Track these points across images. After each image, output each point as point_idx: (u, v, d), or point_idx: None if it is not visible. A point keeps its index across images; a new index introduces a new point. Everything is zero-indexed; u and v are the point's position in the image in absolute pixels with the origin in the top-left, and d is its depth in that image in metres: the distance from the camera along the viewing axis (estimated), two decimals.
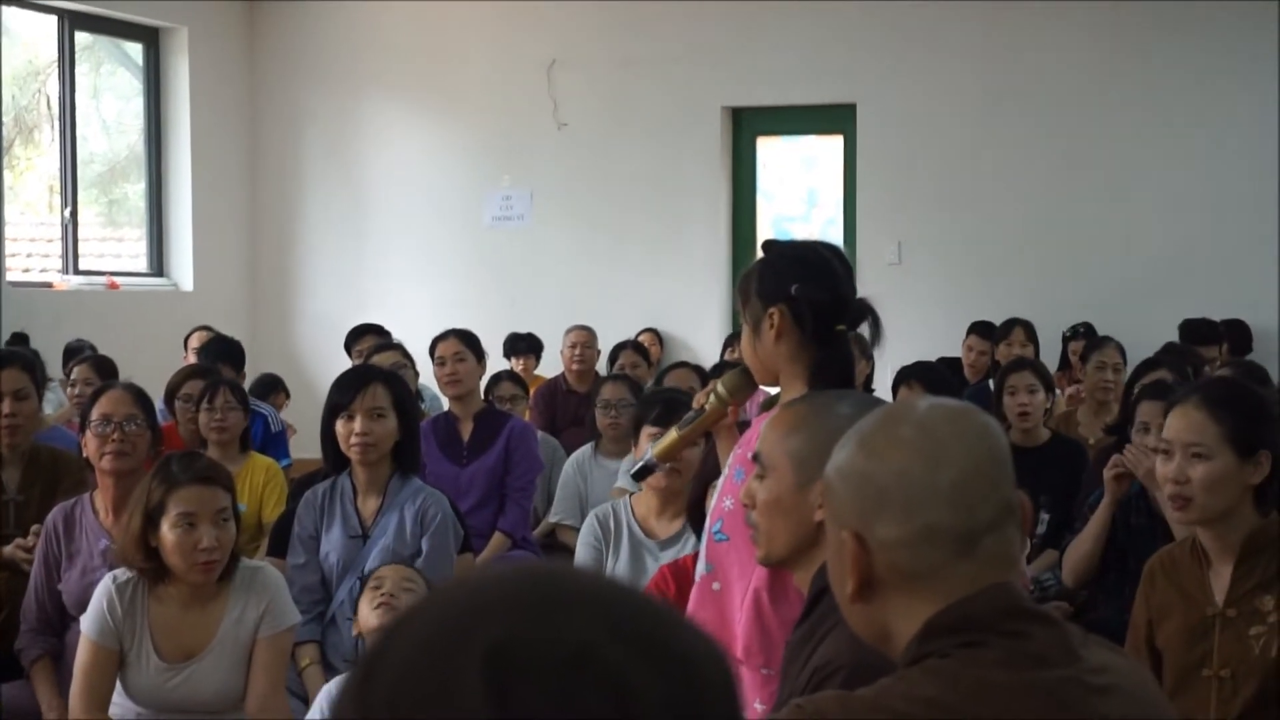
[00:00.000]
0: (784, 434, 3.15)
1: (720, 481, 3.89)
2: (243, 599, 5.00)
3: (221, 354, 9.50)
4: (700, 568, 3.88)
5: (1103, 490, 6.43)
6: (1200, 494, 4.11)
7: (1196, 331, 10.81)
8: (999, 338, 10.82)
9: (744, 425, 4.28)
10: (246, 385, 9.53)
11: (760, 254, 3.98)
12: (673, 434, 4.18)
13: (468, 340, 8.08)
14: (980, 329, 11.22)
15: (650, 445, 4.33)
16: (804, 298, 3.77)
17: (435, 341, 8.12)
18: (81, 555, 5.71)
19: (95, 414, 5.83)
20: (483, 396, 8.43)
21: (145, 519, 4.86)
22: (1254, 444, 4.11)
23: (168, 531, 4.84)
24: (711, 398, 4.07)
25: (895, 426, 2.39)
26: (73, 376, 8.82)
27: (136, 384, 6.21)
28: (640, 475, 4.45)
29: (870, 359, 7.65)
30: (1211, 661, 4.15)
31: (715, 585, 3.80)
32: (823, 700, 2.39)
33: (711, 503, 3.93)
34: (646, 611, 1.23)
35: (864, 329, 3.88)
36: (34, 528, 6.11)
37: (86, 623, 5.00)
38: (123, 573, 5.00)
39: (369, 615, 5.06)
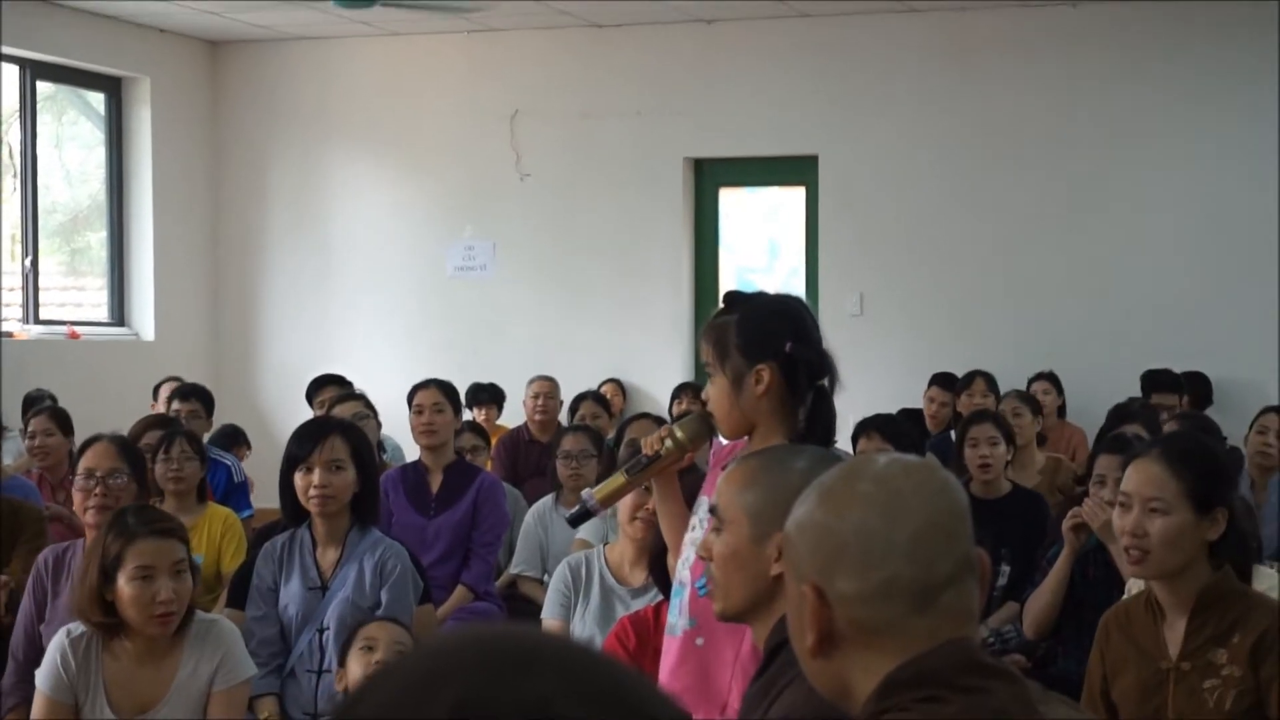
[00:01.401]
0: (740, 488, 3.15)
1: (699, 534, 3.85)
2: (197, 652, 4.97)
3: (194, 393, 9.50)
4: (681, 622, 3.83)
5: (1062, 543, 6.44)
6: (1158, 548, 4.12)
7: (1157, 382, 10.85)
8: (960, 389, 10.84)
9: (696, 474, 4.26)
10: (211, 433, 9.53)
11: (723, 306, 3.96)
12: (619, 479, 4.09)
13: (447, 392, 8.07)
14: (942, 380, 11.24)
15: (589, 489, 4.26)
16: (799, 355, 3.78)
17: (415, 389, 8.10)
18: (65, 599, 5.68)
19: (80, 467, 5.86)
20: None
21: (101, 573, 4.84)
22: (1212, 500, 4.13)
23: (125, 585, 4.82)
24: (668, 443, 4.01)
25: (854, 481, 2.39)
26: (30, 428, 8.78)
27: (123, 436, 6.20)
28: (577, 520, 4.36)
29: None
30: (1166, 715, 4.16)
31: (699, 641, 3.77)
32: None
33: (687, 554, 3.89)
34: (605, 670, 1.27)
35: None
36: (1, 578, 6.09)
37: (40, 677, 4.97)
38: (76, 627, 4.98)
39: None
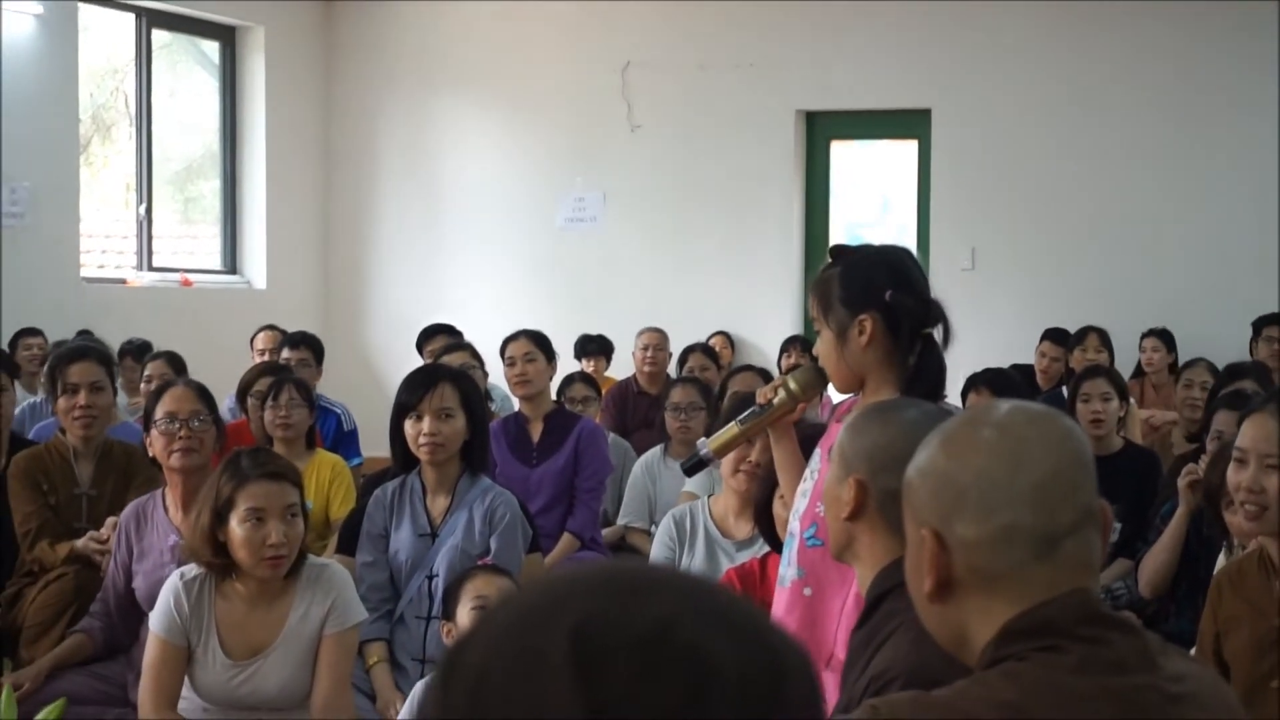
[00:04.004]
0: (845, 431, 3.17)
1: (809, 486, 3.85)
2: (308, 596, 5.00)
3: (304, 341, 9.53)
4: (790, 573, 3.83)
5: (1175, 500, 6.36)
6: (1276, 505, 4.04)
7: (1266, 319, 10.70)
8: (1073, 344, 10.77)
9: (814, 426, 4.24)
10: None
11: (829, 259, 3.94)
12: (733, 428, 4.11)
13: (538, 341, 8.07)
14: (1054, 335, 11.16)
15: (704, 439, 4.26)
16: (899, 304, 3.75)
17: (506, 342, 8.11)
18: (153, 552, 5.73)
19: (160, 412, 5.83)
20: (554, 398, 8.41)
21: (214, 514, 4.87)
22: None
23: (236, 526, 4.85)
24: (781, 393, 4.01)
25: (977, 428, 2.38)
26: (147, 372, 8.86)
27: (198, 380, 6.22)
28: (691, 470, 4.37)
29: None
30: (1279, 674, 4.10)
31: (807, 590, 3.77)
32: (898, 701, 2.37)
33: (798, 505, 3.89)
34: (724, 596, 1.30)
35: (936, 332, 3.86)
36: (110, 520, 6.14)
37: (155, 620, 5.01)
38: (190, 569, 5.02)
39: None
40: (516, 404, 8.20)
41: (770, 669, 1.25)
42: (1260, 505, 4.07)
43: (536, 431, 7.98)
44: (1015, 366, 10.00)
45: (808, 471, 3.91)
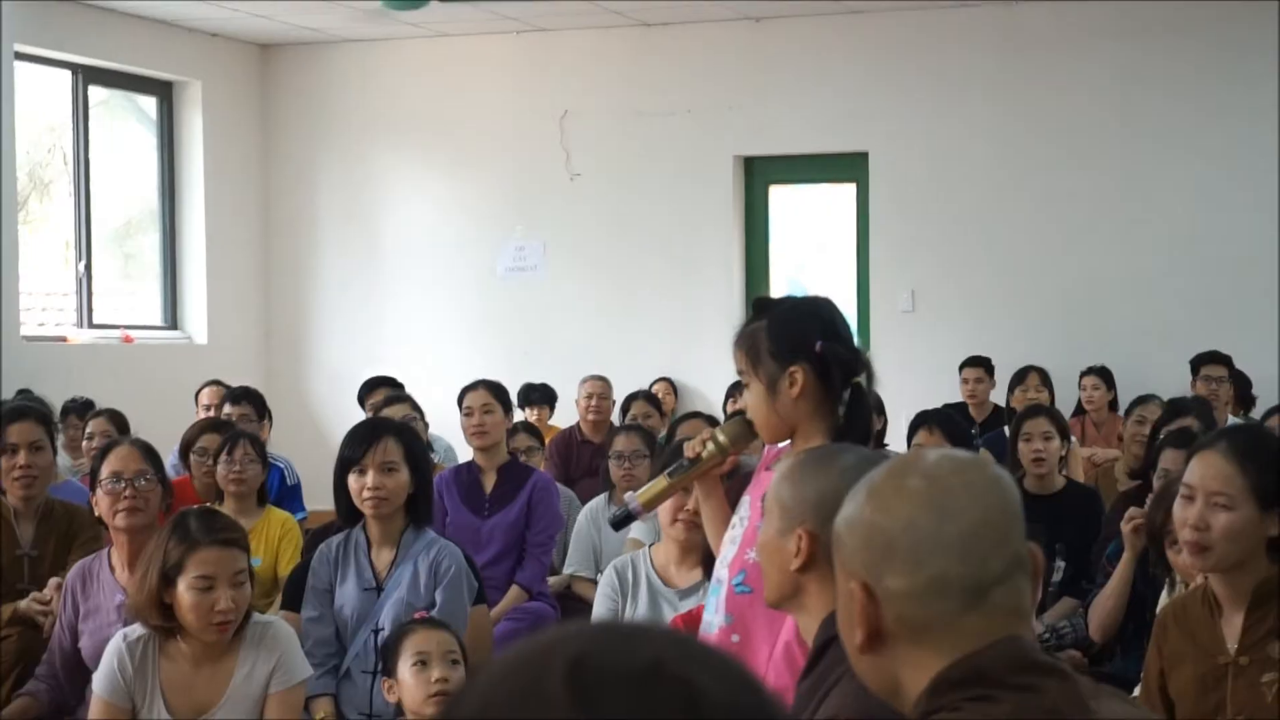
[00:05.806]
0: (780, 480, 3.18)
1: (739, 533, 3.86)
2: (253, 655, 4.98)
3: (246, 396, 9.49)
4: (718, 619, 3.85)
5: (1119, 539, 6.39)
6: (1220, 543, 4.06)
7: (1204, 358, 10.77)
8: (1014, 384, 10.84)
9: (743, 475, 4.26)
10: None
11: (753, 313, 3.97)
12: (661, 481, 4.12)
13: (497, 392, 8.09)
14: (971, 362, 11.31)
15: (632, 491, 4.28)
16: (830, 353, 3.78)
17: (464, 392, 8.12)
18: (99, 611, 5.71)
19: (105, 471, 5.81)
20: None
21: (161, 577, 4.85)
22: (1276, 496, 4.05)
23: (184, 591, 4.83)
24: (709, 446, 4.03)
25: (904, 477, 2.39)
26: (89, 430, 8.83)
27: (143, 439, 6.19)
28: (619, 523, 4.38)
29: (884, 414, 7.69)
30: (1225, 709, 4.12)
31: (734, 638, 3.79)
32: None
33: (726, 553, 3.90)
34: (710, 646, 1.38)
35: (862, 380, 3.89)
36: (53, 580, 6.10)
37: (98, 681, 4.99)
38: (133, 630, 4.99)
39: (421, 702, 4.98)
40: (460, 455, 8.20)
41: (755, 707, 1.32)
42: (1204, 545, 4.09)
43: (490, 482, 7.98)
44: (947, 406, 10.04)
45: (736, 519, 3.93)
